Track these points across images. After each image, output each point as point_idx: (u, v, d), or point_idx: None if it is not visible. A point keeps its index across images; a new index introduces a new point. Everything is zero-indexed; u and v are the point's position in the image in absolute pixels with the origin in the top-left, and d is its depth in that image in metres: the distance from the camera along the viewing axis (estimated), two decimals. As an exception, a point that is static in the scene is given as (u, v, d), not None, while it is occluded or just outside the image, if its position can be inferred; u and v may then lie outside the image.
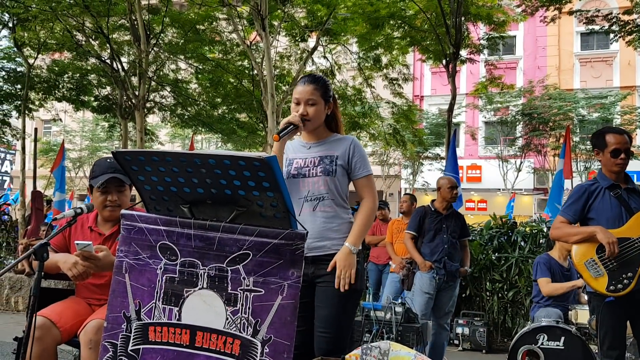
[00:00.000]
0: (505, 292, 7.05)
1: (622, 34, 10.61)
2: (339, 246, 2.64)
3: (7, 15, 12.45)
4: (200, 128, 16.46)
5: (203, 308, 2.03)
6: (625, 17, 10.69)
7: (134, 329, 2.11)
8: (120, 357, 2.12)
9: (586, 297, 4.34)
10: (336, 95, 2.99)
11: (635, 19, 10.54)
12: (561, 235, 3.56)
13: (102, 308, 2.62)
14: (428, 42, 11.78)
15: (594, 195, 3.44)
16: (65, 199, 11.74)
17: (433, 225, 5.58)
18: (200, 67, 14.07)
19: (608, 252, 3.21)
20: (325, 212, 2.68)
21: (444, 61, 10.97)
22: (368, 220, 2.72)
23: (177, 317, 2.06)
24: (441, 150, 20.65)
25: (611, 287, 3.24)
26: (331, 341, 2.55)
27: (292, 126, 2.72)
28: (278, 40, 12.75)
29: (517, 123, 21.08)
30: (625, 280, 3.22)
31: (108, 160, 2.97)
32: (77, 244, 2.59)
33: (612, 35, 11.23)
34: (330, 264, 2.56)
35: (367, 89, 14.18)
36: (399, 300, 4.83)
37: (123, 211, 2.19)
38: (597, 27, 11.35)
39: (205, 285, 2.04)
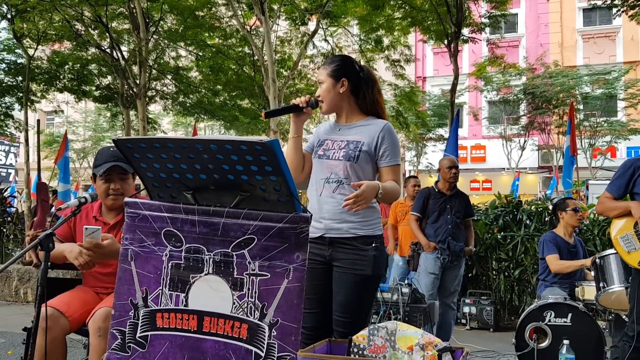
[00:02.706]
0: (512, 271, 7.07)
1: (625, 8, 10.49)
2: (357, 230, 2.62)
3: (5, 6, 12.40)
4: (202, 115, 16.43)
5: (210, 293, 2.04)
6: (628, -9, 10.58)
7: (142, 316, 2.12)
8: (129, 344, 2.14)
9: (592, 274, 4.34)
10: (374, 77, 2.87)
11: (638, -7, 10.43)
12: (603, 210, 3.57)
13: (110, 296, 2.63)
14: (429, 22, 11.68)
15: None
16: (70, 189, 11.78)
17: (437, 206, 5.60)
18: (201, 54, 14.02)
19: None
20: (344, 195, 2.60)
21: (445, 41, 10.90)
22: (396, 192, 2.65)
23: (184, 303, 2.07)
24: (444, 132, 20.59)
25: None
26: (348, 325, 2.55)
27: (292, 106, 2.68)
28: (278, 24, 12.67)
29: (520, 102, 20.97)
30: None
31: (111, 149, 2.97)
32: (86, 228, 2.59)
33: (614, 10, 11.11)
34: (357, 183, 2.44)
35: (369, 71, 14.08)
36: (405, 281, 4.85)
37: (126, 199, 2.19)
38: (599, 2, 11.23)
39: (211, 271, 2.05)
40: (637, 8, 10.25)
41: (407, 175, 21.18)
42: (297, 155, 2.79)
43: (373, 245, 2.63)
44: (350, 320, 2.57)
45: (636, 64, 21.48)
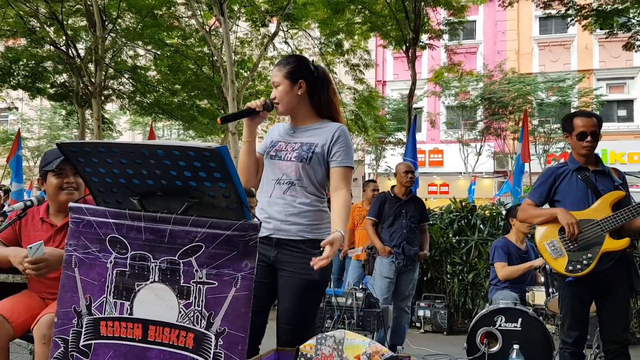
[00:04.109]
0: (466, 275, 7.18)
1: (579, 18, 10.80)
2: (306, 233, 2.57)
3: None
4: (160, 115, 16.22)
5: (155, 302, 2.00)
6: (582, 1, 10.89)
7: (85, 324, 2.07)
8: (72, 353, 2.08)
9: (543, 279, 4.44)
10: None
11: (591, 3, 10.74)
12: (527, 217, 3.62)
13: (55, 302, 2.57)
14: (388, 28, 11.81)
15: (561, 177, 3.47)
16: (24, 189, 11.46)
17: (392, 211, 5.65)
18: (159, 53, 13.83)
19: (568, 234, 3.26)
20: (294, 197, 2.59)
21: (404, 47, 11.02)
22: (347, 209, 2.59)
23: (129, 311, 2.03)
24: (403, 136, 20.79)
25: (570, 267, 3.30)
26: (293, 333, 2.50)
27: (247, 110, 2.63)
28: (238, 25, 12.61)
29: (477, 107, 21.35)
30: (584, 261, 3.27)
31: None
32: (30, 247, 2.53)
33: (569, 19, 11.42)
34: (323, 242, 2.38)
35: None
36: (360, 286, 4.87)
37: (71, 204, 2.13)
38: (554, 12, 11.53)
39: (157, 279, 2.01)
40: (590, 18, 10.57)
41: (366, 178, 21.30)
42: (251, 159, 2.74)
43: (321, 249, 2.54)
44: (295, 328, 2.52)
45: (589, 72, 22.12)
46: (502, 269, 4.95)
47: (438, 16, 12.28)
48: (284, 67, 2.69)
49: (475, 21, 23.61)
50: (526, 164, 8.66)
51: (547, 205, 3.57)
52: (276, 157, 2.68)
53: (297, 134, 2.72)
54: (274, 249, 2.59)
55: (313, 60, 2.83)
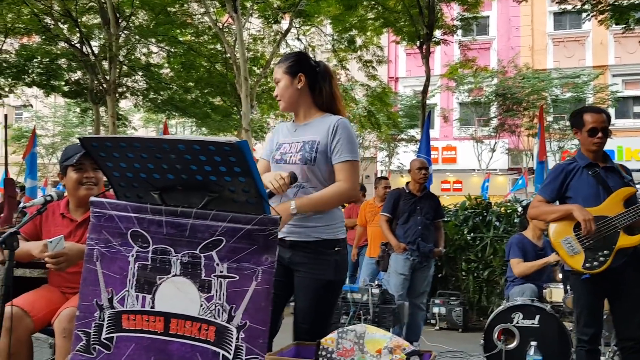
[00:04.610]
0: (481, 272, 7.15)
1: (594, 13, 10.69)
2: (319, 233, 2.55)
3: (-29, -2, 12.11)
4: (173, 113, 16.29)
5: (177, 295, 2.01)
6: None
7: (107, 317, 2.09)
8: (94, 346, 2.09)
9: (561, 275, 4.41)
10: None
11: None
12: (539, 214, 3.58)
13: (76, 296, 2.59)
14: (402, 23, 11.76)
15: (572, 174, 3.44)
16: (38, 185, 11.56)
17: (407, 207, 5.63)
18: (172, 50, 13.88)
19: (584, 230, 3.22)
20: None
21: (417, 42, 10.97)
22: (331, 197, 2.51)
23: (151, 304, 2.04)
24: (416, 133, 20.72)
25: (587, 265, 3.27)
26: (309, 332, 2.48)
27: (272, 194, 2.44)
28: (251, 22, 12.63)
29: (491, 104, 21.22)
30: (601, 258, 3.25)
31: (80, 145, 2.92)
32: (50, 242, 2.55)
33: (584, 15, 11.30)
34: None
35: (342, 72, 14.13)
36: (375, 282, 4.87)
37: (92, 198, 2.15)
38: (569, 7, 11.41)
39: (178, 272, 2.02)
40: (607, 13, 10.45)
41: (378, 175, 21.27)
42: None
43: (335, 249, 2.56)
44: (311, 327, 2.51)
45: (605, 68, 21.91)
46: (518, 265, 4.92)
47: (452, 11, 12.22)
48: (284, 63, 2.70)
49: (488, 17, 23.46)
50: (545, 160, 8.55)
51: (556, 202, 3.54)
52: (281, 160, 2.65)
53: (299, 131, 2.70)
54: (288, 251, 2.58)
55: (314, 56, 2.82)
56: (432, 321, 6.87)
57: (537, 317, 4.26)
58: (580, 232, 3.27)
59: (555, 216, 3.43)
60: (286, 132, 2.77)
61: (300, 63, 2.68)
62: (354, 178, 2.60)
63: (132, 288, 2.06)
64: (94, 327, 2.10)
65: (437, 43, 11.64)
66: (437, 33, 11.39)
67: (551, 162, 14.20)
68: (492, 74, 20.11)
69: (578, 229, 3.29)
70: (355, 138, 2.66)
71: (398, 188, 6.02)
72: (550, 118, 19.53)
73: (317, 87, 2.69)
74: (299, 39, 13.67)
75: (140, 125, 25.16)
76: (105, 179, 2.87)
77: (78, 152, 2.87)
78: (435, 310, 6.82)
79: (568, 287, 4.11)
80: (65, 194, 3.00)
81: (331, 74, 2.78)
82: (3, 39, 13.01)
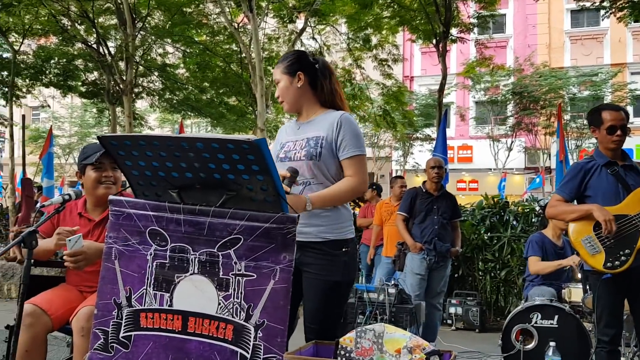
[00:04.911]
0: (498, 272, 7.09)
1: (613, 10, 10.55)
2: (326, 234, 2.51)
3: (-10, 0, 12.25)
4: (189, 113, 16.36)
5: (195, 293, 2.01)
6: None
7: (125, 316, 2.09)
8: (112, 344, 2.10)
9: (580, 275, 4.36)
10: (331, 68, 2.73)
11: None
12: (557, 214, 3.53)
13: (93, 295, 2.60)
14: (418, 22, 11.70)
15: (590, 172, 3.40)
16: (55, 185, 11.66)
17: (424, 207, 5.60)
18: (188, 50, 13.93)
19: (605, 230, 3.17)
20: None
21: (434, 41, 10.91)
22: (343, 193, 2.49)
23: (169, 303, 2.04)
24: (431, 131, 20.62)
25: (608, 264, 3.23)
26: (318, 333, 2.46)
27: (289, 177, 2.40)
28: (266, 21, 12.63)
29: (508, 102, 21.06)
30: (622, 257, 3.20)
31: (98, 144, 2.94)
32: (69, 240, 2.56)
33: (602, 12, 11.17)
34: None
35: (357, 70, 14.09)
36: (392, 282, 4.84)
37: (111, 197, 2.15)
38: (588, 4, 11.28)
39: (196, 271, 2.02)
40: (625, 10, 10.31)
41: (393, 175, 21.20)
42: None
43: (343, 250, 2.52)
44: (320, 328, 2.48)
45: (623, 66, 21.65)
46: (535, 263, 4.86)
47: (468, 9, 12.14)
48: (282, 64, 2.67)
49: (505, 15, 23.30)
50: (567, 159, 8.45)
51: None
52: (286, 158, 2.62)
53: (303, 129, 2.67)
54: (297, 252, 2.55)
55: (313, 53, 2.79)
56: (449, 321, 6.82)
57: (556, 317, 4.21)
58: (601, 232, 3.22)
59: (574, 216, 3.39)
60: (290, 131, 2.74)
61: (298, 61, 2.65)
62: (363, 172, 2.56)
63: (150, 286, 2.06)
64: (112, 325, 2.10)
65: (454, 41, 11.57)
66: (454, 31, 11.31)
67: (569, 162, 14.07)
68: (508, 72, 19.95)
69: (598, 228, 3.24)
70: (360, 132, 2.62)
71: (415, 187, 5.99)
72: (567, 117, 19.35)
73: (318, 83, 2.66)
74: (314, 38, 13.65)
75: (156, 125, 25.31)
76: (123, 178, 2.89)
77: (97, 151, 2.89)
78: (452, 310, 6.77)
79: (587, 287, 4.05)
80: (84, 193, 3.02)
81: (331, 70, 2.74)
82: (21, 40, 13.15)
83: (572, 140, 19.47)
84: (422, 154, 21.30)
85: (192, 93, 15.16)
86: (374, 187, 8.66)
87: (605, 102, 19.83)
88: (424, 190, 5.71)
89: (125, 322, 2.09)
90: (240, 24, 12.39)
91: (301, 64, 2.65)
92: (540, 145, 20.62)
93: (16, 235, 3.22)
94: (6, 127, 15.24)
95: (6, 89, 13.87)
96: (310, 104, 2.68)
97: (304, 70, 2.64)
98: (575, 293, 4.42)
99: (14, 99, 13.61)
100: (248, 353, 1.93)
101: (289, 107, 2.70)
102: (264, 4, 12.02)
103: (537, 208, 7.26)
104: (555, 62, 22.57)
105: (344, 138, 2.53)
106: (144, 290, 2.07)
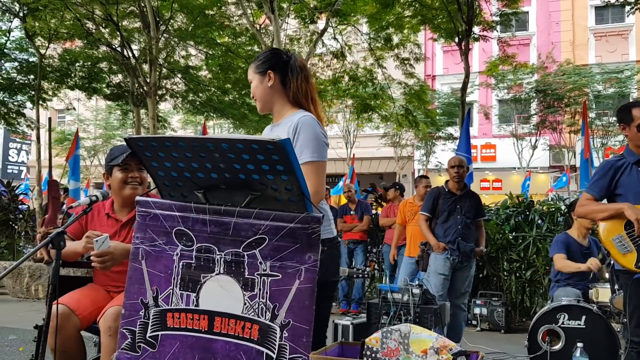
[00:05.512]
0: (523, 272, 7.01)
1: (639, 5, 10.38)
2: None
3: (17, 5, 12.47)
4: (211, 114, 16.46)
5: (221, 293, 2.02)
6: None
7: (152, 316, 2.10)
8: (139, 344, 2.12)
9: (608, 275, 4.29)
10: (300, 65, 2.60)
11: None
12: (587, 213, 3.47)
13: (121, 295, 2.64)
14: (439, 20, 11.63)
15: (621, 170, 3.34)
16: (80, 187, 11.82)
17: (447, 206, 5.56)
18: (210, 52, 14.03)
19: (638, 231, 3.13)
20: None
21: (456, 39, 10.84)
22: None
23: (195, 302, 2.05)
24: (454, 130, 20.48)
25: None
26: None
27: None
28: (287, 22, 12.65)
29: (532, 100, 20.82)
30: None
31: (125, 145, 2.98)
32: (96, 241, 2.60)
33: (628, 8, 10.99)
34: None
35: (378, 70, 14.06)
36: (416, 282, 4.81)
37: (138, 198, 2.17)
38: (612, 0, 11.12)
39: (222, 271, 2.02)
40: (651, 5, 10.13)
41: (416, 174, 21.09)
42: None
43: (324, 248, 2.34)
44: None
45: (649, 62, 21.29)
46: (560, 260, 4.81)
47: (491, 7, 12.03)
48: (254, 63, 2.61)
49: (528, 12, 23.06)
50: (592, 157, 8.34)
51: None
52: None
53: (274, 131, 2.59)
54: None
55: (288, 50, 2.70)
56: (474, 322, 6.77)
57: (584, 317, 4.16)
58: (632, 231, 3.17)
59: (604, 215, 3.33)
60: (266, 133, 2.68)
61: (269, 60, 2.58)
62: (316, 180, 2.40)
63: (176, 286, 2.07)
64: (139, 325, 2.12)
65: (477, 39, 11.48)
66: (476, 29, 11.23)
67: (594, 160, 13.87)
68: (532, 70, 19.73)
69: (629, 227, 3.19)
70: (319, 135, 2.44)
71: (437, 187, 5.95)
72: (592, 114, 19.07)
73: (287, 81, 2.56)
74: (335, 39, 13.65)
75: (179, 126, 25.53)
76: (150, 179, 2.93)
77: (124, 152, 2.93)
78: (477, 311, 6.72)
79: (616, 287, 3.99)
80: (110, 194, 3.06)
81: (302, 65, 2.62)
82: (47, 44, 13.36)
83: (597, 139, 19.18)
84: (444, 153, 21.17)
85: (215, 94, 15.26)
86: (397, 186, 8.62)
87: (631, 99, 19.51)
88: (446, 190, 5.67)
89: (152, 322, 2.11)
90: (262, 26, 12.44)
91: (271, 62, 2.57)
92: (565, 144, 20.35)
93: (43, 236, 3.28)
94: (33, 129, 15.51)
95: (33, 92, 14.11)
96: (280, 103, 2.59)
97: (275, 68, 2.56)
98: (603, 293, 4.36)
99: (40, 101, 13.83)
100: (274, 353, 1.93)
101: (260, 106, 2.63)
102: (285, 5, 12.04)
103: (563, 207, 7.17)
104: (580, 59, 22.26)
105: (300, 143, 2.41)
106: (171, 290, 2.08)
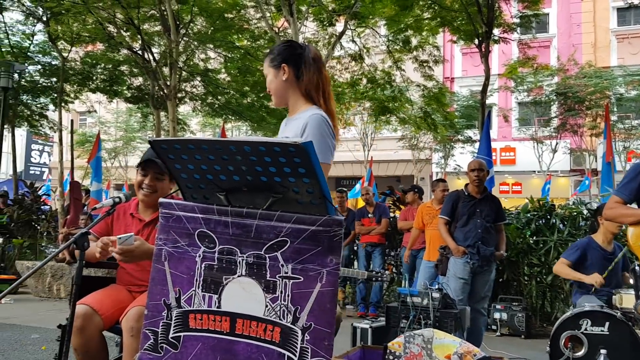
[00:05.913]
0: (544, 277, 6.93)
1: (662, 7, 10.25)
2: None
3: (41, 9, 12.65)
4: (230, 116, 16.54)
5: (242, 295, 2.02)
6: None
7: (175, 317, 2.12)
8: (162, 345, 2.13)
9: (632, 281, 4.22)
10: (312, 58, 2.52)
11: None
12: (616, 216, 3.41)
13: (143, 295, 2.66)
14: (459, 22, 11.57)
15: None
16: (102, 188, 11.95)
17: (466, 210, 5.51)
18: (229, 55, 14.10)
19: None
20: None
21: (476, 41, 10.77)
22: None
23: (217, 304, 2.05)
24: (473, 133, 20.33)
25: None
26: None
27: None
28: (306, 25, 12.69)
29: (552, 103, 20.61)
30: None
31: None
32: (119, 238, 2.62)
33: (651, 10, 10.86)
34: None
35: (397, 72, 14.02)
36: (436, 286, 4.77)
37: (161, 199, 2.19)
38: (635, 1, 10.98)
39: (243, 273, 2.03)
40: (675, 7, 9.98)
41: (434, 177, 20.98)
42: None
43: None
44: None
45: (672, 65, 20.96)
46: (560, 264, 4.78)
47: (511, 9, 11.94)
48: (268, 56, 2.56)
49: (548, 14, 22.85)
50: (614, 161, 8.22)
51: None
52: None
53: (288, 126, 2.53)
54: None
55: (304, 42, 2.65)
56: (494, 327, 6.71)
57: (607, 324, 4.09)
58: None
59: (634, 219, 3.27)
60: (282, 127, 2.63)
61: (282, 53, 2.52)
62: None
63: (199, 288, 2.08)
64: (162, 326, 2.13)
65: (496, 41, 11.39)
66: (496, 31, 11.14)
67: (616, 164, 13.69)
68: (552, 72, 19.53)
69: None
70: (325, 136, 2.38)
71: (457, 190, 5.91)
72: (614, 117, 18.83)
73: (301, 74, 2.50)
74: (353, 41, 13.64)
75: (198, 129, 25.68)
76: (170, 188, 2.96)
77: (149, 156, 2.97)
78: (497, 315, 6.66)
79: (641, 293, 3.92)
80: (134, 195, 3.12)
81: (317, 57, 2.55)
82: (69, 48, 13.54)
83: (619, 142, 18.93)
84: (463, 156, 21.04)
85: (233, 97, 15.33)
86: (416, 189, 8.59)
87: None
88: (466, 194, 5.63)
89: (174, 323, 2.12)
90: (281, 29, 12.48)
91: (285, 55, 2.52)
92: (586, 147, 20.11)
93: (65, 237, 3.32)
94: (55, 131, 15.71)
95: (55, 95, 14.31)
96: (295, 97, 2.54)
97: (289, 62, 2.50)
98: (627, 299, 4.28)
99: (62, 104, 14.01)
100: (295, 356, 1.93)
101: (275, 101, 2.59)
102: (304, 8, 12.07)
103: (585, 211, 7.08)
104: (601, 61, 22.00)
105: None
106: (193, 292, 2.09)
